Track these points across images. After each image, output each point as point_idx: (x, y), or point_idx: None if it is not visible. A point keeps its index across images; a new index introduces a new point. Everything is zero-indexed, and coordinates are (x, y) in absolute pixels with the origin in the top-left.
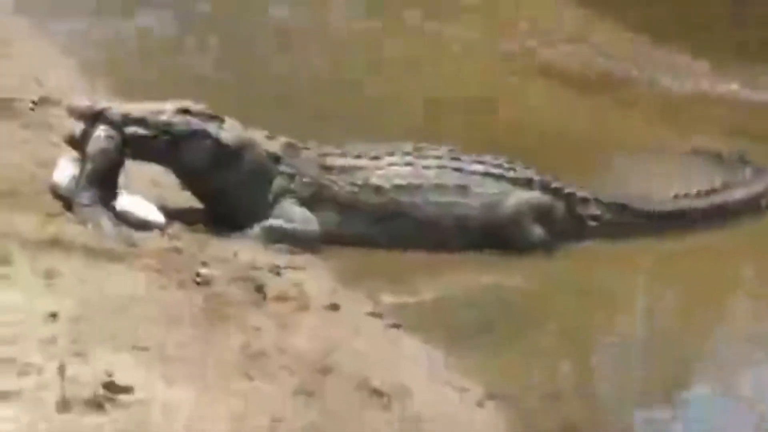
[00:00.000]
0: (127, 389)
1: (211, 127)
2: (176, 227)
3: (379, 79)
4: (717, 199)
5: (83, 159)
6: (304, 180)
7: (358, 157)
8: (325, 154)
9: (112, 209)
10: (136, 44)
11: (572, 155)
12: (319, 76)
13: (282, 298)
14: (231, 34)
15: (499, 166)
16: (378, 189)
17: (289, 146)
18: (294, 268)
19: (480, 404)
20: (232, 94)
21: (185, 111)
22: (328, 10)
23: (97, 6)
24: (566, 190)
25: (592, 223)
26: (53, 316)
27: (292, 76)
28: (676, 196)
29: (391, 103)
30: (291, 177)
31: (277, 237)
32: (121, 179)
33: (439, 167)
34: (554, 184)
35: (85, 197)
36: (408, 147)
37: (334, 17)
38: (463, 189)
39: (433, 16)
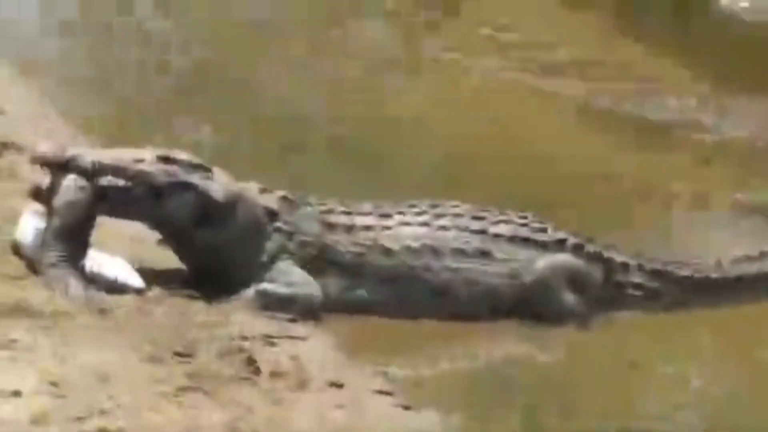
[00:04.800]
0: None
1: (197, 179)
2: (156, 291)
3: (398, 118)
4: None
5: (50, 213)
6: (304, 239)
7: (365, 214)
8: (328, 211)
9: (82, 270)
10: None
11: (613, 206)
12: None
13: (277, 373)
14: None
15: (527, 226)
16: (387, 251)
17: (287, 201)
18: (291, 338)
19: None
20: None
21: (167, 159)
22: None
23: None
24: (604, 255)
25: (634, 292)
26: (15, 393)
27: (300, 119)
28: (730, 260)
29: (417, 146)
30: (289, 235)
31: (272, 303)
32: (93, 235)
33: (459, 228)
34: (590, 248)
35: (52, 256)
36: (423, 204)
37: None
38: (485, 254)
39: (457, 49)
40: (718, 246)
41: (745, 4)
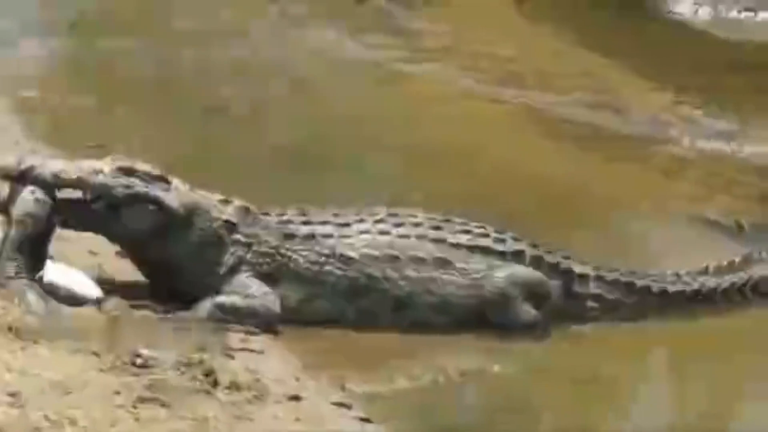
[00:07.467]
0: None
1: (156, 190)
2: (114, 302)
3: (357, 127)
4: (738, 275)
5: (8, 224)
6: (263, 250)
7: (324, 223)
8: (286, 221)
9: (41, 281)
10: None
11: (574, 217)
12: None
13: (235, 385)
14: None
15: (486, 236)
16: (346, 260)
17: (245, 211)
18: (250, 350)
19: None
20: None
21: (126, 170)
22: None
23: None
24: (563, 266)
25: (593, 303)
26: None
27: (257, 119)
28: (690, 273)
29: (370, 155)
30: (247, 246)
31: (230, 315)
32: (52, 247)
33: (418, 237)
34: (549, 258)
35: (9, 268)
36: (382, 212)
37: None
38: (444, 263)
39: (412, 59)
40: (677, 259)
41: (705, 16)
